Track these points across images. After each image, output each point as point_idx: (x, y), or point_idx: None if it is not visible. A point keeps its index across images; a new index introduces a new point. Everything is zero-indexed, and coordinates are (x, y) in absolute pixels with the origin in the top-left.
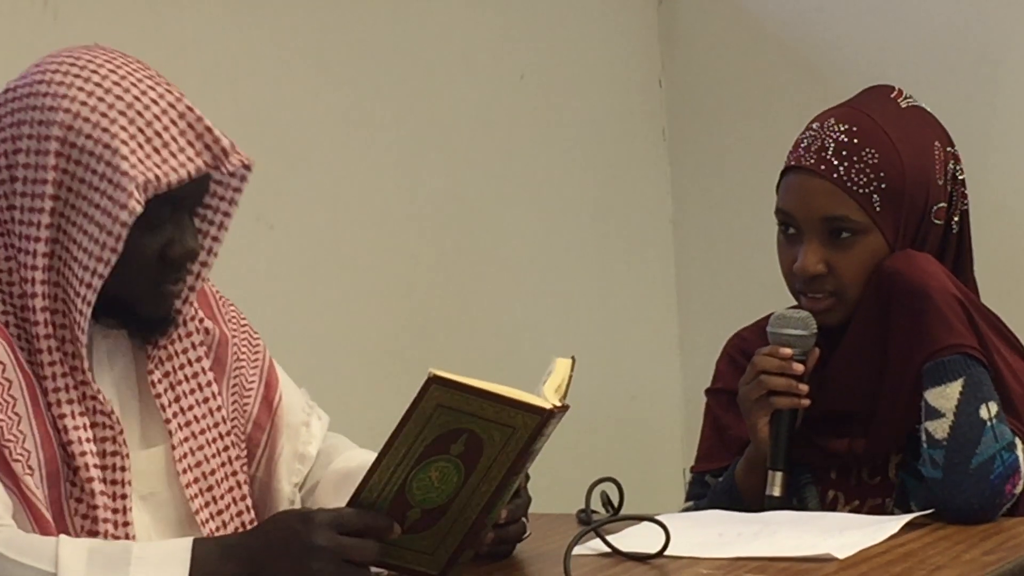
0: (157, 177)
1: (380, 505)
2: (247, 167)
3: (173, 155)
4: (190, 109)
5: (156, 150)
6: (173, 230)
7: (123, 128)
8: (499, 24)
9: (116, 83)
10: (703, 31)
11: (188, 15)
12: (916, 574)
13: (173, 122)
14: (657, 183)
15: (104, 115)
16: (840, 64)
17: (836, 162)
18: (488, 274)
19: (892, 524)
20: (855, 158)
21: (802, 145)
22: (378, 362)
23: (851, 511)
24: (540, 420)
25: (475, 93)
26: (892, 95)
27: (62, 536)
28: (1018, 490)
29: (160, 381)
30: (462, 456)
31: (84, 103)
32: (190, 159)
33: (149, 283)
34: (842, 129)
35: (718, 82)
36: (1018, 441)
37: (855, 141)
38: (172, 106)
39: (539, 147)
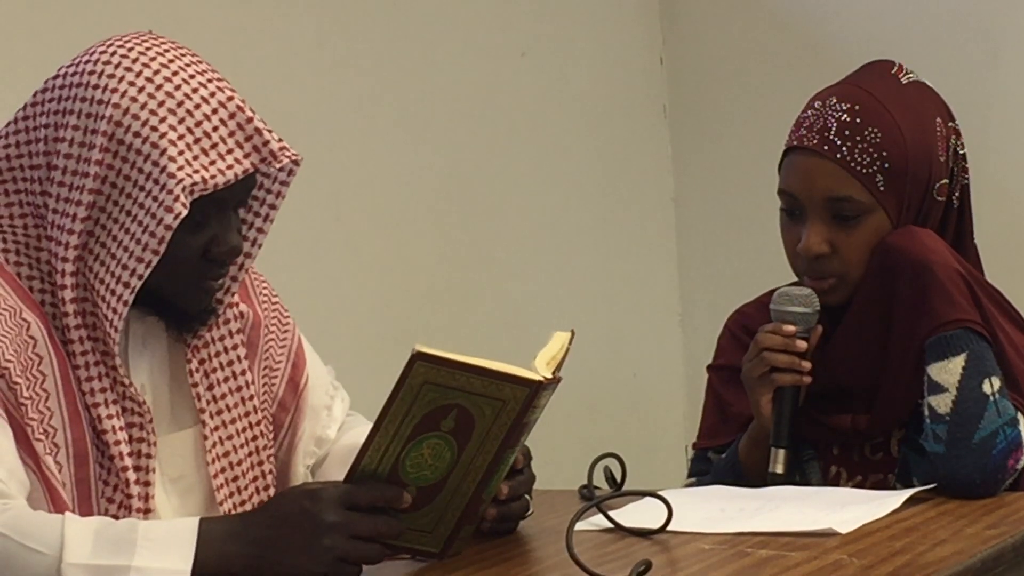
0: (204, 179)
1: None
2: (295, 162)
3: (221, 156)
4: (241, 109)
5: (204, 151)
6: (217, 227)
7: (172, 128)
8: (501, 1)
9: (168, 79)
10: (704, 8)
11: None
12: (918, 549)
13: (223, 122)
14: (658, 160)
15: (154, 112)
16: (841, 40)
17: (839, 142)
18: (490, 251)
19: (894, 499)
20: (858, 138)
21: (804, 125)
22: (380, 338)
23: (854, 486)
24: (530, 392)
25: (476, 71)
26: (893, 71)
27: (68, 515)
28: (1020, 465)
29: (197, 370)
30: (453, 432)
31: (134, 99)
32: (238, 161)
33: (191, 280)
34: (844, 108)
35: (719, 59)
36: (1020, 416)
37: (857, 120)
38: (223, 105)
39: (540, 125)
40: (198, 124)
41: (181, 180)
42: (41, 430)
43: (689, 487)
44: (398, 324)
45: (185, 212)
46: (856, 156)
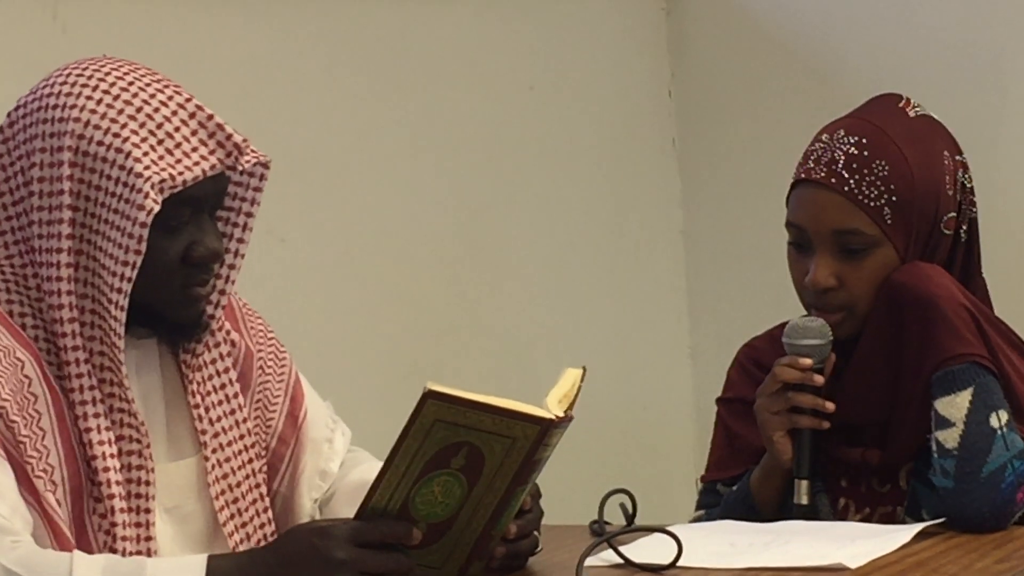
0: (172, 176)
1: None
2: (264, 165)
3: (186, 155)
4: (200, 108)
5: (169, 151)
6: (194, 232)
7: (134, 132)
8: (509, 35)
9: (124, 89)
10: (712, 41)
11: (197, 27)
12: None
13: (184, 122)
14: (667, 193)
15: (114, 120)
16: (848, 73)
17: (846, 175)
18: (499, 285)
19: (904, 533)
20: (865, 171)
21: (811, 158)
22: (389, 373)
23: (862, 519)
24: (540, 430)
25: (485, 104)
26: (900, 104)
27: (76, 552)
28: None
29: (195, 392)
30: (463, 469)
31: (93, 111)
32: (203, 157)
33: (175, 287)
34: (852, 141)
35: (727, 92)
36: None
37: (865, 153)
38: (182, 107)
39: (549, 158)
40: (159, 126)
41: (149, 178)
42: (40, 468)
43: (698, 520)
44: (406, 358)
45: (157, 208)
46: (863, 189)
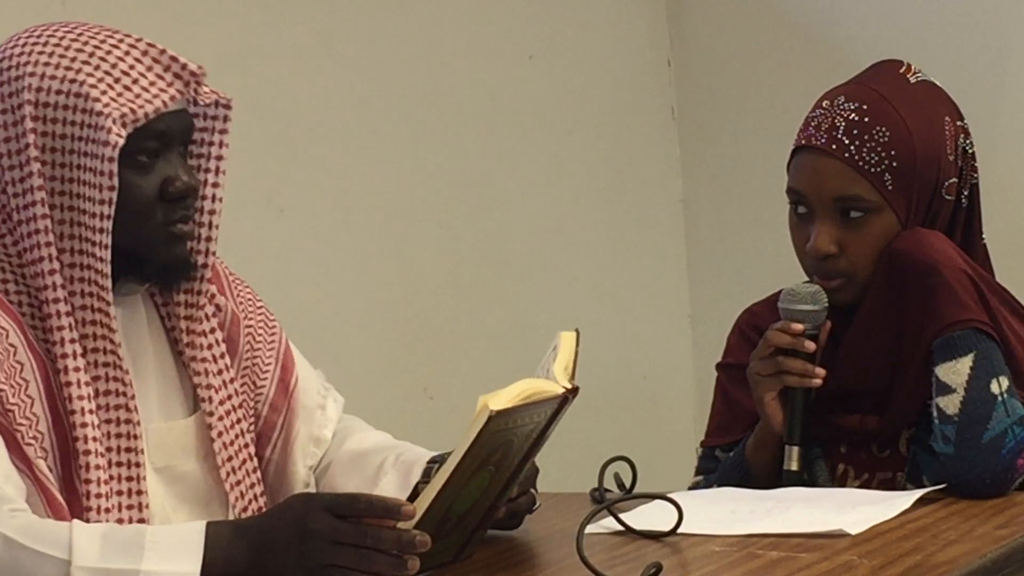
0: (132, 110)
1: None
2: (226, 106)
3: (144, 89)
4: (152, 45)
5: (127, 88)
6: (166, 167)
7: (89, 75)
8: (508, 4)
9: (74, 40)
10: (712, 10)
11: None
12: (928, 549)
13: (138, 60)
14: (667, 162)
15: (69, 68)
16: (849, 42)
17: (847, 141)
18: (498, 255)
19: (904, 499)
20: (866, 137)
21: (812, 124)
22: (388, 343)
23: (860, 485)
24: (557, 405)
25: (484, 74)
26: (901, 70)
27: (75, 521)
28: None
29: (192, 355)
30: (498, 463)
31: (47, 63)
32: (162, 90)
33: (157, 225)
34: (852, 107)
35: (727, 61)
36: None
37: (866, 119)
38: (133, 46)
39: (548, 127)
40: (113, 66)
41: (110, 115)
42: (31, 435)
43: (696, 485)
44: (407, 326)
45: (121, 141)
46: (864, 155)
